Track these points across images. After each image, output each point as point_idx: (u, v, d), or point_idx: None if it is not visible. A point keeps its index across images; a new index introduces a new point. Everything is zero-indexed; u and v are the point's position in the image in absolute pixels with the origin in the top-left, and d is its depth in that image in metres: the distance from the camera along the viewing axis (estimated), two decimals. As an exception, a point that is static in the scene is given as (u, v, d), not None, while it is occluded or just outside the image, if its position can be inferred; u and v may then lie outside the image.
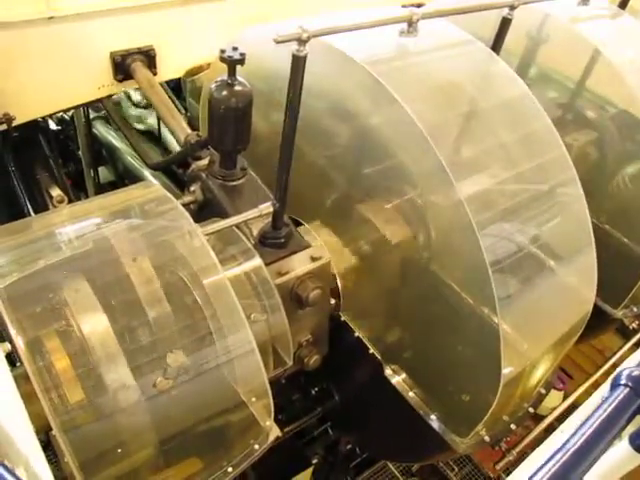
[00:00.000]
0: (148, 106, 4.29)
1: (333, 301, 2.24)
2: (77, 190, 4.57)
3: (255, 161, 2.26)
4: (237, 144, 2.10)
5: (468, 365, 1.95)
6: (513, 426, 2.13)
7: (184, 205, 2.03)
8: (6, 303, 1.45)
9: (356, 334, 2.28)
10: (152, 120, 4.32)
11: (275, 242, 2.05)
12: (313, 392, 2.78)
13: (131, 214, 1.81)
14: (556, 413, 2.54)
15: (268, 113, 2.30)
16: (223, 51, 1.82)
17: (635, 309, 2.80)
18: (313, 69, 1.59)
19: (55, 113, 3.38)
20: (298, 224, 2.23)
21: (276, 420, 1.80)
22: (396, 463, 4.90)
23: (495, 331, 1.74)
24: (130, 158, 4.07)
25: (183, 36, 2.92)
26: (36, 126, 3.33)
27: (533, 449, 1.70)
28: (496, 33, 2.24)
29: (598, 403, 1.25)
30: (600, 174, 2.79)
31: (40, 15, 2.43)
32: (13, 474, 0.86)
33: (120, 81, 2.85)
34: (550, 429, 1.97)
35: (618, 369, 1.38)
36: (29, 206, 3.27)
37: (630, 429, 1.29)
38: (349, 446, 3.66)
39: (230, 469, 1.71)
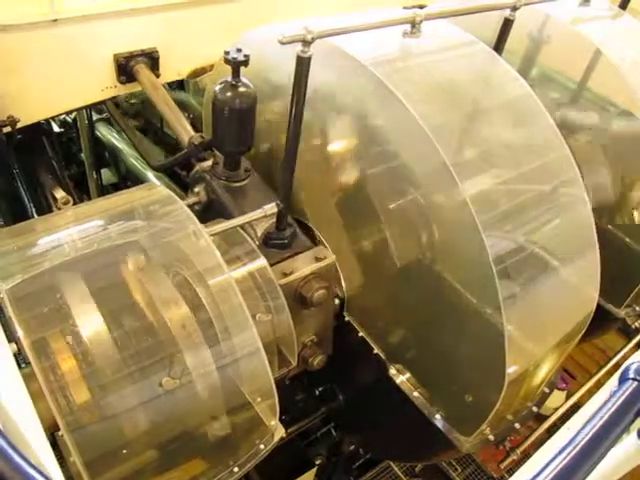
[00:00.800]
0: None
1: (337, 301, 2.24)
2: (80, 192, 4.59)
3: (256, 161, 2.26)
4: (241, 145, 2.11)
5: (472, 364, 1.95)
6: (517, 425, 2.13)
7: (188, 206, 2.04)
8: (13, 304, 1.46)
9: (360, 334, 2.28)
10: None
11: (279, 243, 2.06)
12: (317, 392, 2.78)
13: (135, 215, 1.82)
14: (559, 413, 2.54)
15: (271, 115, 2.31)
16: (227, 52, 1.83)
17: (638, 308, 2.80)
18: (317, 70, 1.60)
19: (59, 115, 3.39)
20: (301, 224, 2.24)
21: (280, 420, 1.80)
22: (399, 463, 4.90)
23: (499, 330, 1.75)
24: (133, 160, 4.07)
25: (186, 38, 2.93)
26: (39, 129, 3.34)
27: (536, 449, 1.70)
28: (498, 34, 2.25)
29: (605, 399, 1.25)
30: (602, 174, 2.79)
31: (44, 17, 2.44)
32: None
33: (123, 83, 2.86)
34: (553, 429, 1.97)
35: (626, 363, 1.38)
36: (33, 208, 3.29)
37: (639, 423, 1.29)
38: (352, 447, 3.64)
39: (236, 469, 1.72)
